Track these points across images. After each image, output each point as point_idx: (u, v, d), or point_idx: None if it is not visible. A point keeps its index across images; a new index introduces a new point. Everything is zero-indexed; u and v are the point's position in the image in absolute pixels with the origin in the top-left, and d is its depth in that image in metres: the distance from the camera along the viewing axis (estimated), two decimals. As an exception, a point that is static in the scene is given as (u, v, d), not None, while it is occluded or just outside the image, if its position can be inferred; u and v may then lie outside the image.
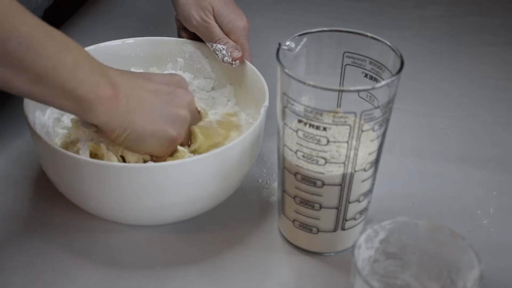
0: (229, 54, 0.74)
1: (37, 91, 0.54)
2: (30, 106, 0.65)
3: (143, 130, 0.60)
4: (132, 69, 0.76)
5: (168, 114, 0.62)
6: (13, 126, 0.78)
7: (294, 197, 0.61)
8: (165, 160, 0.64)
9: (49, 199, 0.69)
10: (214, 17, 0.76)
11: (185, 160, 0.60)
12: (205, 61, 0.79)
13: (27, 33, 0.51)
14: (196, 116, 0.68)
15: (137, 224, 0.67)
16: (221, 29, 0.76)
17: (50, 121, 0.70)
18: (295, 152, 0.58)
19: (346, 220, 0.61)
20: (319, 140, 0.56)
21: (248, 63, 0.74)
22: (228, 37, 0.76)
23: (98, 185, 0.60)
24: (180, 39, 0.79)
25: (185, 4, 0.76)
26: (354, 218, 0.62)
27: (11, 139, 0.77)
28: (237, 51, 0.74)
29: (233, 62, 0.74)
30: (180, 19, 0.78)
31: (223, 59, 0.74)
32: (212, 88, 0.79)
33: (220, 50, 0.75)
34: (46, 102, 0.57)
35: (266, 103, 0.67)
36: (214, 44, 0.75)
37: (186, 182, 0.60)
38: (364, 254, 0.52)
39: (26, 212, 0.68)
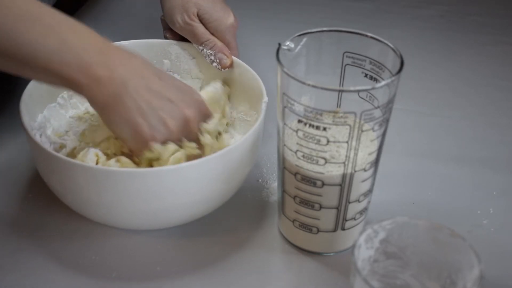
0: (217, 61, 0.74)
1: (27, 73, 0.59)
2: (26, 110, 0.64)
3: (119, 117, 0.60)
4: None
5: (155, 115, 0.60)
6: (8, 128, 0.77)
7: (294, 197, 0.61)
8: (140, 155, 0.62)
9: (45, 203, 0.68)
10: (200, 16, 0.76)
11: (186, 164, 0.59)
12: (192, 62, 0.78)
13: (8, 23, 0.55)
14: (193, 138, 0.63)
15: (139, 229, 0.66)
16: (207, 27, 0.76)
17: (46, 125, 0.69)
18: (295, 152, 0.58)
19: (346, 220, 0.61)
20: (319, 140, 0.56)
21: (237, 59, 0.74)
22: (214, 35, 0.76)
23: (95, 190, 0.59)
24: (166, 40, 0.79)
25: (170, 7, 0.77)
26: (354, 218, 0.62)
27: (6, 142, 0.77)
28: (226, 56, 0.74)
29: (223, 70, 0.75)
30: (167, 21, 0.78)
31: (211, 64, 0.75)
32: (200, 88, 0.79)
33: (209, 55, 0.75)
34: (40, 81, 0.62)
35: (266, 98, 0.67)
36: (200, 47, 0.76)
37: (188, 186, 0.60)
38: (364, 254, 0.52)
39: (21, 216, 0.68)
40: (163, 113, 0.61)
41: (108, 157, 0.65)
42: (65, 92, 0.72)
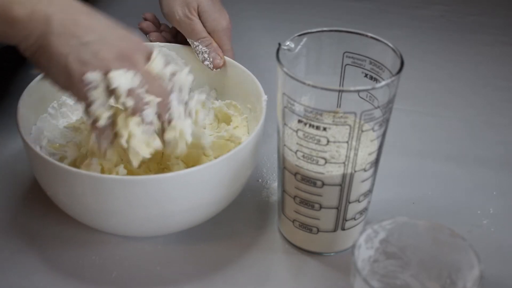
0: (210, 60, 0.74)
1: None
2: (23, 116, 0.63)
3: (48, 61, 0.54)
4: None
5: (86, 50, 0.53)
6: (5, 132, 0.77)
7: (294, 197, 0.61)
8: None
9: (43, 206, 0.67)
10: (199, 14, 0.76)
11: (189, 170, 0.58)
12: (181, 63, 0.78)
13: None
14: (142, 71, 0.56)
15: (139, 236, 0.65)
16: (204, 26, 0.76)
17: (40, 136, 0.68)
18: (295, 152, 0.58)
19: (346, 220, 0.61)
20: (319, 140, 0.56)
21: (230, 60, 0.74)
22: (210, 35, 0.76)
23: (94, 197, 0.58)
24: (154, 42, 0.78)
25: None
26: (354, 218, 0.62)
27: (6, 142, 0.76)
28: (219, 57, 0.74)
29: (214, 69, 0.74)
30: (163, 13, 0.78)
31: (203, 61, 0.75)
32: (190, 89, 0.78)
33: (202, 52, 0.75)
34: None
35: (265, 96, 0.67)
36: (195, 43, 0.75)
37: (192, 191, 0.59)
38: (364, 254, 0.52)
39: (19, 219, 0.67)
40: (96, 46, 0.54)
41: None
42: (55, 101, 0.71)
